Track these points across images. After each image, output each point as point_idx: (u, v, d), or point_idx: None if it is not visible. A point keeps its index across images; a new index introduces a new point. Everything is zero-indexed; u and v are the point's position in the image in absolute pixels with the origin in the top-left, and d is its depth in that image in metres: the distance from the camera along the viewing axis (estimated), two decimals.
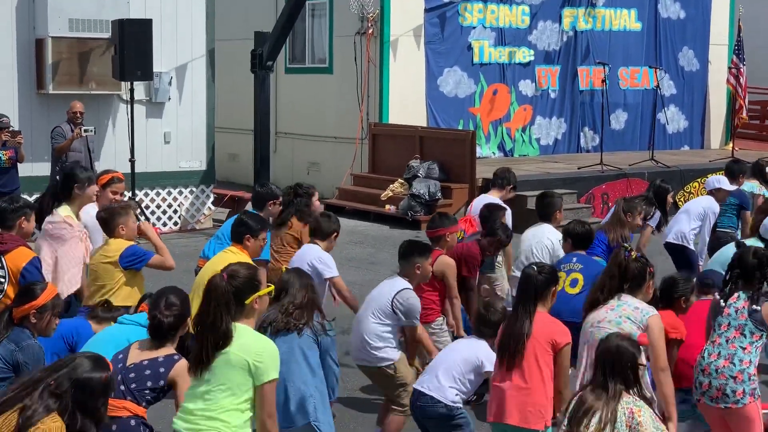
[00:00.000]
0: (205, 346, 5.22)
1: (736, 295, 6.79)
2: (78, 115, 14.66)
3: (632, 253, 6.77)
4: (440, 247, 8.51)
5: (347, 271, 13.82)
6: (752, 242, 8.82)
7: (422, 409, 6.85)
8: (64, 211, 8.52)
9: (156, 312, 5.93)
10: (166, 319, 5.91)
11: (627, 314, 6.53)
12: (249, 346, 5.24)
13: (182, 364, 5.81)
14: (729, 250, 8.78)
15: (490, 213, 9.49)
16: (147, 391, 5.81)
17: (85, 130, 14.50)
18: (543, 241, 9.34)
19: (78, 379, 4.72)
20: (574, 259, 8.60)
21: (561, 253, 9.06)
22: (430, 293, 8.24)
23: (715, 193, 11.91)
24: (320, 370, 6.64)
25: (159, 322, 5.91)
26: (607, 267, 6.92)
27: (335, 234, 8.62)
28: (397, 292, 7.58)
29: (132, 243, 7.94)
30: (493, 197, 10.46)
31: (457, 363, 6.90)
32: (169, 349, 5.93)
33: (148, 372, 5.82)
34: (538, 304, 6.42)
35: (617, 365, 5.60)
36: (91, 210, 8.97)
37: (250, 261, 7.69)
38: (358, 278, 13.58)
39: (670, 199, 11.54)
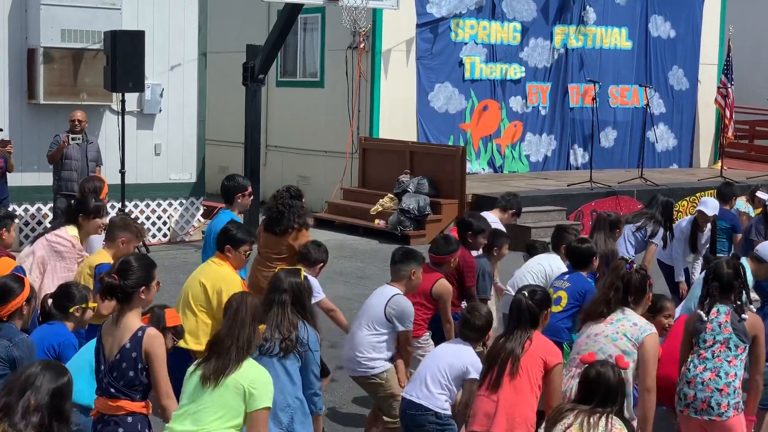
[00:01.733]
0: (226, 362, 5.44)
1: (715, 309, 6.81)
2: (76, 123, 14.69)
3: (633, 265, 6.82)
4: (443, 271, 8.51)
5: (336, 286, 13.84)
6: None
7: (412, 417, 6.84)
8: (72, 231, 8.56)
9: (104, 275, 5.90)
10: (114, 282, 5.85)
11: (624, 330, 6.57)
12: (245, 371, 5.31)
13: (149, 336, 5.74)
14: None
15: (493, 239, 9.54)
16: (137, 384, 5.75)
17: (73, 138, 14.51)
18: (543, 265, 9.34)
19: (53, 390, 4.74)
20: (566, 277, 8.62)
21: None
22: (420, 310, 8.23)
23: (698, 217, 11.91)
24: (299, 381, 6.61)
25: (108, 285, 5.85)
26: (609, 280, 6.89)
27: (322, 265, 8.55)
28: (390, 299, 7.62)
29: (109, 260, 7.73)
30: (493, 216, 10.48)
31: (443, 369, 6.88)
32: (133, 321, 5.84)
33: (124, 365, 5.72)
34: (534, 329, 6.47)
35: (606, 393, 5.62)
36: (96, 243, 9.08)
37: (233, 271, 7.68)
38: (347, 293, 13.58)
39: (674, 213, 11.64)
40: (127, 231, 8.02)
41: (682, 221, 11.89)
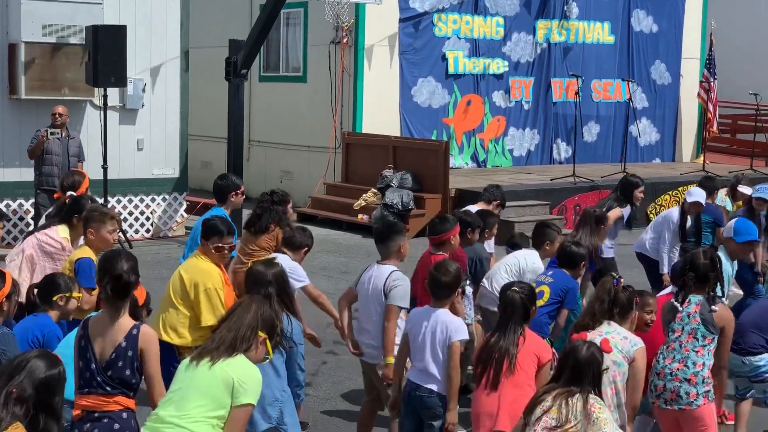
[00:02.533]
0: (220, 344, 5.35)
1: (687, 299, 6.87)
2: (57, 117, 14.64)
3: (621, 281, 6.85)
4: (444, 250, 8.37)
5: (319, 280, 13.82)
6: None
7: (421, 399, 6.80)
8: (63, 231, 8.45)
9: (120, 273, 5.84)
10: (132, 278, 5.86)
11: (615, 342, 6.60)
12: (237, 364, 5.25)
13: (144, 333, 5.76)
14: None
15: (482, 221, 9.52)
16: (133, 381, 5.75)
17: (52, 133, 14.47)
18: (519, 259, 9.32)
19: (40, 380, 4.70)
20: (549, 272, 8.61)
21: (528, 278, 9.02)
22: None
23: (685, 206, 11.95)
24: (285, 374, 6.59)
25: (125, 283, 5.83)
26: (596, 294, 6.95)
27: (306, 249, 8.51)
28: (390, 274, 7.51)
29: (90, 255, 7.70)
30: (478, 208, 10.50)
31: (440, 347, 6.77)
32: (125, 321, 5.83)
33: (121, 364, 5.73)
34: (524, 324, 6.46)
35: (585, 377, 5.66)
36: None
37: (211, 265, 7.59)
38: (330, 287, 13.56)
39: (638, 193, 11.57)
40: (91, 221, 7.90)
41: (672, 211, 11.89)
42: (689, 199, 11.75)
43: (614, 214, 11.16)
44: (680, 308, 6.86)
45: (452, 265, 7.04)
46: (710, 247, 7.59)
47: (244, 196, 9.45)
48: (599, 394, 5.74)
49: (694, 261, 6.92)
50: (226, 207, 9.09)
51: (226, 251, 7.66)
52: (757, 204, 11.96)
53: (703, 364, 6.77)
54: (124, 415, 5.74)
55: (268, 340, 5.42)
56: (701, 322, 6.77)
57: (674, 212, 11.83)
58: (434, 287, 6.92)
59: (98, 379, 5.73)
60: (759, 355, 8.13)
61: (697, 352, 6.77)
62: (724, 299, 7.03)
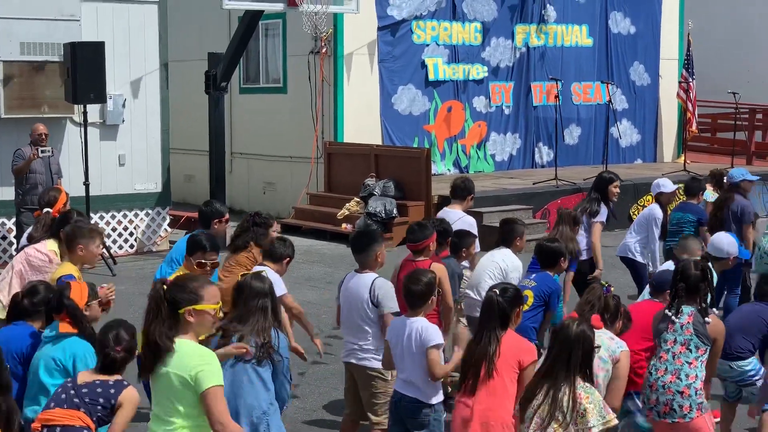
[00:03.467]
0: (145, 352, 5.22)
1: (680, 310, 6.87)
2: (43, 137, 14.69)
3: (611, 289, 6.90)
4: (425, 256, 8.43)
5: (304, 291, 13.83)
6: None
7: (406, 408, 6.82)
8: (51, 245, 8.49)
9: (108, 350, 6.02)
10: (119, 355, 6.02)
11: (602, 341, 6.64)
12: (185, 362, 5.16)
13: (130, 390, 5.93)
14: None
15: (459, 240, 9.43)
16: (99, 408, 5.88)
17: (42, 151, 14.50)
18: (497, 262, 9.31)
19: None
20: (533, 276, 8.63)
21: (513, 277, 9.03)
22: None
23: (659, 197, 12.04)
24: (272, 385, 6.59)
25: (112, 360, 6.01)
26: (586, 298, 6.96)
27: (288, 259, 8.50)
28: (372, 282, 7.56)
29: (73, 271, 7.70)
30: (455, 210, 10.44)
31: (413, 356, 6.78)
32: (118, 376, 6.04)
33: (99, 390, 5.93)
34: (504, 328, 6.41)
35: (575, 351, 5.73)
36: None
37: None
38: (315, 298, 13.58)
39: (613, 189, 11.60)
40: (81, 237, 7.94)
41: (653, 208, 11.94)
42: (666, 190, 11.85)
43: (597, 231, 11.20)
44: (676, 319, 6.86)
45: (425, 274, 7.04)
46: (703, 258, 7.57)
47: (228, 224, 9.40)
48: (590, 373, 5.75)
49: (684, 272, 6.93)
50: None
51: (208, 267, 7.66)
52: (748, 185, 12.21)
53: (696, 375, 6.76)
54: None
55: (197, 306, 5.27)
56: (694, 333, 6.77)
57: (655, 208, 11.90)
58: (408, 297, 6.94)
59: (72, 393, 5.79)
60: (746, 360, 8.14)
61: (690, 363, 6.76)
62: (714, 310, 7.04)
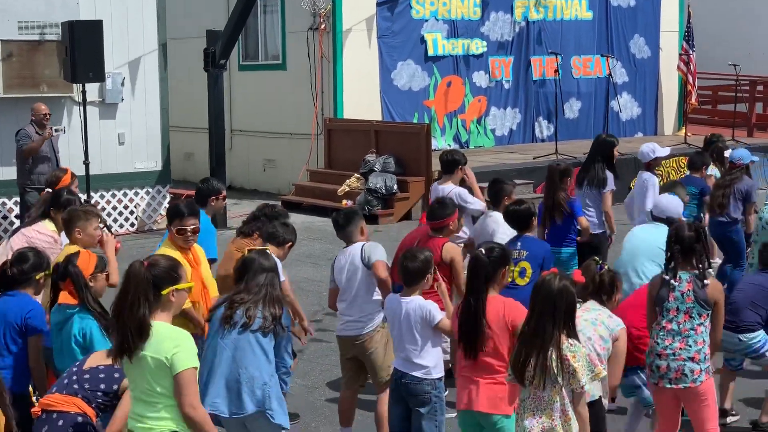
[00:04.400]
0: (125, 333, 5.15)
1: (678, 277, 6.86)
2: (48, 116, 14.65)
3: (605, 266, 6.92)
4: (444, 235, 8.43)
5: (305, 268, 13.85)
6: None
7: (407, 386, 6.85)
8: (50, 225, 8.51)
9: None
10: None
11: (602, 319, 6.70)
12: (162, 345, 5.17)
13: None
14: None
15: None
16: (99, 393, 5.84)
17: (56, 130, 14.52)
18: (486, 228, 9.40)
19: None
20: (519, 245, 8.60)
21: (501, 238, 9.04)
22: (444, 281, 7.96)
23: (652, 164, 11.95)
24: (274, 358, 6.60)
25: None
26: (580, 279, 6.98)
27: (290, 244, 8.49)
28: (362, 248, 7.64)
29: (80, 250, 7.74)
30: (446, 185, 10.41)
31: (418, 331, 6.79)
32: None
33: (102, 376, 5.86)
34: (489, 288, 6.38)
35: (558, 307, 5.75)
36: None
37: (172, 251, 7.51)
38: (316, 275, 13.59)
39: (616, 152, 11.56)
40: (78, 219, 7.94)
41: (638, 180, 11.87)
42: (659, 155, 11.81)
43: (608, 200, 11.14)
44: (673, 284, 6.85)
45: (422, 251, 7.04)
46: (695, 220, 7.58)
47: (225, 201, 9.38)
48: (574, 328, 5.78)
49: (678, 234, 6.92)
50: (207, 211, 8.99)
51: (188, 233, 7.61)
52: (751, 165, 12.23)
53: (703, 341, 6.78)
54: (79, 419, 5.79)
55: (177, 287, 5.32)
56: (695, 300, 6.77)
57: (646, 175, 11.76)
58: (404, 274, 6.94)
59: (74, 378, 5.78)
60: (755, 332, 8.16)
61: (695, 330, 6.78)
62: (710, 271, 7.03)
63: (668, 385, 6.80)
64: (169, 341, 5.17)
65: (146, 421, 5.21)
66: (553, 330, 5.73)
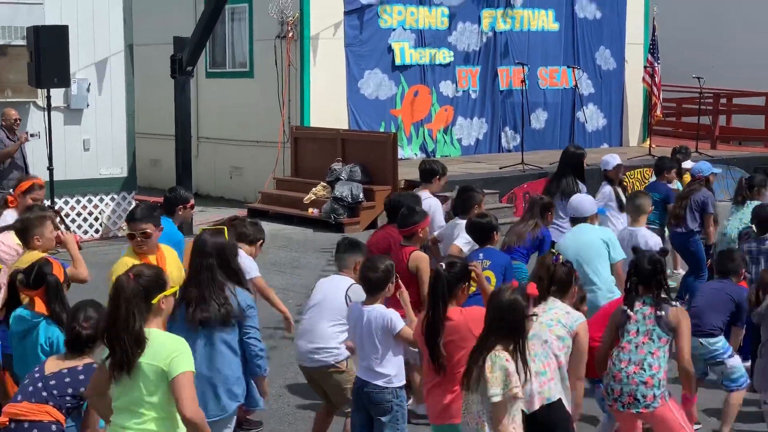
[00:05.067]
0: (124, 348, 5.13)
1: (641, 300, 6.90)
2: (18, 122, 14.62)
3: (560, 257, 6.90)
4: (413, 243, 8.44)
5: (271, 276, 13.80)
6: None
7: (369, 395, 6.83)
8: (16, 238, 8.35)
9: (74, 324, 5.94)
10: (84, 332, 5.92)
11: (558, 317, 6.64)
12: (159, 352, 5.17)
13: None
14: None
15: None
16: (68, 398, 5.80)
17: (32, 135, 14.45)
18: (452, 232, 9.42)
19: None
20: (481, 255, 8.63)
21: (463, 242, 9.08)
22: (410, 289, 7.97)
23: (609, 173, 12.00)
24: (238, 348, 6.55)
25: (77, 334, 5.92)
26: (535, 270, 7.03)
27: (261, 241, 8.51)
28: (349, 287, 7.57)
29: (44, 255, 7.60)
30: (422, 192, 10.45)
31: (378, 339, 6.78)
32: (88, 359, 5.94)
33: (68, 380, 5.82)
34: (449, 302, 6.38)
35: (505, 320, 5.77)
36: (8, 218, 8.92)
37: (128, 255, 7.48)
38: (282, 282, 13.57)
39: (585, 164, 11.63)
40: (34, 227, 7.84)
41: (603, 188, 11.92)
42: (613, 164, 11.86)
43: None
44: (630, 312, 6.88)
45: (383, 260, 7.02)
46: (662, 252, 7.60)
47: (193, 210, 9.34)
48: (522, 342, 5.78)
49: (638, 266, 6.98)
50: (175, 220, 8.96)
51: (137, 238, 7.47)
52: (713, 178, 12.36)
53: (659, 366, 6.79)
54: (53, 427, 5.76)
55: (166, 294, 5.36)
56: (656, 322, 6.81)
57: (604, 188, 11.84)
58: (365, 283, 6.94)
59: (39, 385, 5.73)
60: (716, 337, 8.25)
61: (652, 353, 6.79)
62: (675, 303, 7.06)
63: (621, 409, 6.85)
64: (165, 348, 5.18)
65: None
66: (495, 341, 5.76)
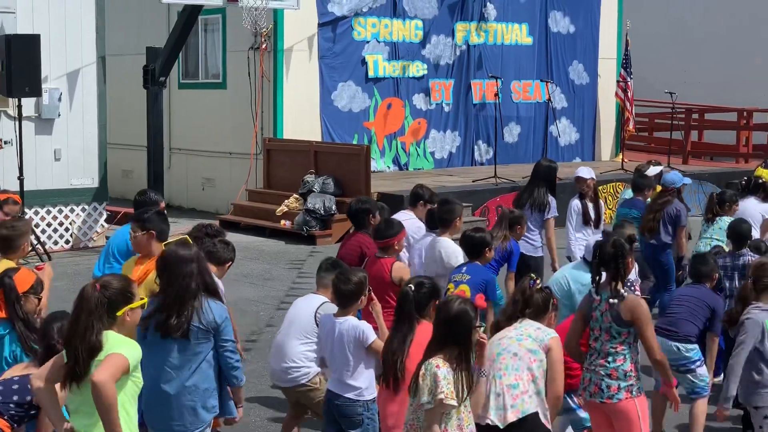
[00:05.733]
0: (77, 357, 5.13)
1: (598, 297, 6.92)
2: None
3: (537, 282, 6.88)
4: (389, 255, 8.45)
5: (243, 288, 13.75)
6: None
7: (339, 408, 6.81)
8: None
9: (52, 342, 5.91)
10: (58, 345, 5.85)
11: (528, 333, 6.63)
12: (110, 350, 5.18)
13: None
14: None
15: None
16: (11, 405, 5.76)
17: (5, 142, 14.33)
18: (434, 253, 9.34)
19: None
20: (464, 269, 8.63)
21: (452, 263, 9.05)
22: (387, 304, 7.92)
23: (576, 185, 12.05)
24: (215, 360, 6.47)
25: (51, 347, 5.90)
26: (513, 294, 7.03)
27: (230, 263, 8.42)
28: (320, 306, 7.56)
29: (21, 267, 7.59)
30: (405, 212, 10.49)
31: (350, 351, 6.77)
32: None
33: (16, 387, 5.80)
34: (419, 320, 6.47)
35: (453, 329, 5.81)
36: None
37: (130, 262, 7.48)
38: (253, 294, 13.51)
39: (557, 178, 11.67)
40: (23, 235, 7.80)
41: (572, 201, 11.96)
42: (586, 176, 11.88)
43: (551, 226, 11.17)
44: (596, 296, 6.90)
45: (356, 273, 7.03)
46: (618, 237, 7.55)
47: (165, 213, 9.26)
48: (467, 352, 5.82)
49: (602, 249, 6.96)
50: None
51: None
52: (682, 188, 12.40)
53: (624, 357, 6.83)
54: None
55: (132, 306, 5.34)
56: (612, 319, 6.83)
57: (573, 201, 11.90)
58: (338, 296, 6.93)
59: None
60: (692, 344, 8.28)
61: (615, 348, 6.84)
62: (633, 287, 7.05)
63: (588, 398, 6.95)
64: (116, 345, 5.19)
65: None
66: (438, 349, 5.81)
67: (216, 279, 8.13)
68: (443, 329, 5.86)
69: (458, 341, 5.82)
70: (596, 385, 6.85)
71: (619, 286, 6.84)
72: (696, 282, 8.78)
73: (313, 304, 7.63)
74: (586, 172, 12.06)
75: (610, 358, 6.83)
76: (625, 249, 6.97)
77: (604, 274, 6.93)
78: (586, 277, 8.66)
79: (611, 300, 6.81)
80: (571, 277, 8.95)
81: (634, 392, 6.82)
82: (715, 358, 8.59)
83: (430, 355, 5.83)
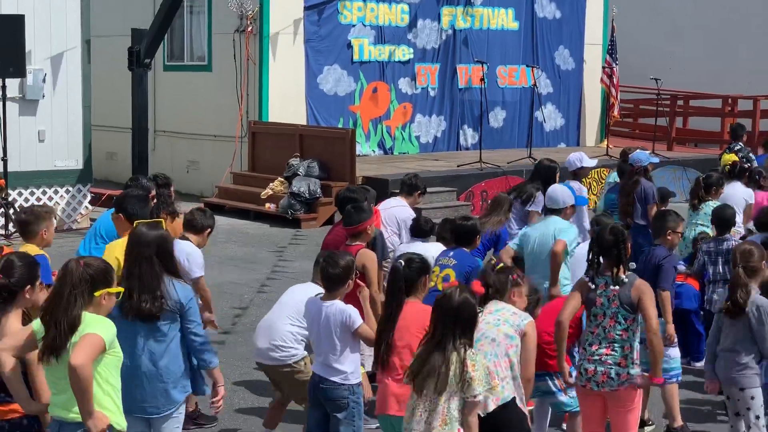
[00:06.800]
0: (58, 330, 5.16)
1: (603, 282, 6.93)
2: None
3: (498, 264, 7.00)
4: (361, 240, 8.37)
5: (227, 270, 13.75)
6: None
7: (325, 391, 6.81)
8: None
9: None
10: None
11: (505, 318, 6.68)
12: (85, 330, 5.21)
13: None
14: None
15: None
16: None
17: None
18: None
19: None
20: (451, 254, 8.66)
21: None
22: (353, 291, 7.97)
23: (578, 173, 12.09)
24: (178, 342, 6.42)
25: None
26: (477, 277, 7.08)
27: (209, 230, 8.36)
28: (316, 295, 7.54)
29: (43, 252, 7.48)
30: (395, 198, 10.57)
31: (336, 335, 6.76)
32: None
33: None
34: (409, 296, 6.50)
35: (459, 319, 5.83)
36: None
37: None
38: (238, 278, 13.50)
39: (557, 177, 11.70)
40: (43, 220, 7.73)
41: (572, 185, 11.96)
42: (586, 165, 11.92)
43: (534, 220, 11.17)
44: (593, 286, 6.92)
45: (343, 257, 6.98)
46: (617, 224, 7.60)
47: (154, 201, 9.23)
48: (472, 339, 5.86)
49: (600, 236, 7.00)
50: None
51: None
52: (650, 167, 12.45)
53: (630, 346, 6.88)
54: (25, 422, 5.70)
55: (110, 291, 5.38)
56: (620, 305, 6.85)
57: (574, 185, 11.90)
58: (325, 279, 6.91)
59: None
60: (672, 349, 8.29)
61: (620, 335, 6.86)
62: (626, 278, 7.06)
63: (595, 388, 6.90)
64: (90, 325, 5.21)
65: (74, 410, 5.20)
66: (455, 341, 5.80)
67: (198, 253, 8.14)
68: (450, 320, 5.83)
69: (467, 330, 5.84)
70: (605, 374, 6.85)
71: (621, 272, 6.89)
72: (655, 237, 8.69)
73: (312, 291, 7.59)
74: (590, 161, 12.12)
75: (616, 346, 6.85)
76: (625, 234, 7.04)
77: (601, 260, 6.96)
78: (566, 223, 9.12)
79: (620, 293, 6.84)
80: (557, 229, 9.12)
81: (636, 381, 6.90)
82: (669, 311, 8.38)
83: (446, 347, 5.79)
